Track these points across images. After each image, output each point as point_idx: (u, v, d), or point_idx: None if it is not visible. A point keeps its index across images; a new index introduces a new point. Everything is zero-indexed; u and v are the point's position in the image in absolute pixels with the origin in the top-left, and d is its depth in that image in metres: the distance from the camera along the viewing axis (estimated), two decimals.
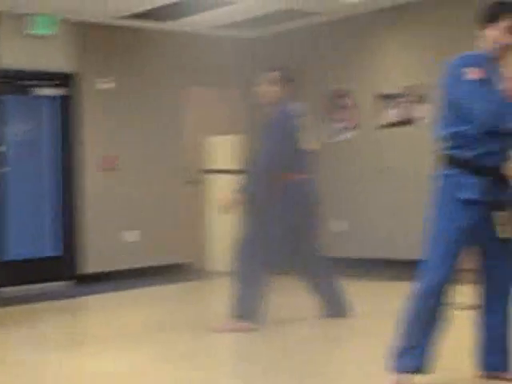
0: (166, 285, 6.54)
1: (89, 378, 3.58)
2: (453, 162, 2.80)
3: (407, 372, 2.88)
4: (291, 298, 5.19)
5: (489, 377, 3.01)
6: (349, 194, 7.01)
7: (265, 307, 4.33)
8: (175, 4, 6.22)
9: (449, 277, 2.81)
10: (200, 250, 7.26)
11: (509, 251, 2.88)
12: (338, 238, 6.90)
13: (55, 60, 6.61)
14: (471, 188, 2.74)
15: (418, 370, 2.87)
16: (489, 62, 2.76)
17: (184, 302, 5.88)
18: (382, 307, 4.91)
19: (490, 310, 2.94)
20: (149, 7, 6.33)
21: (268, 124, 4.43)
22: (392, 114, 6.77)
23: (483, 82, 2.69)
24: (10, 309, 5.57)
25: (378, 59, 6.92)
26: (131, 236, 6.96)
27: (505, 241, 2.84)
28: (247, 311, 4.25)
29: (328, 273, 4.52)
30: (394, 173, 6.69)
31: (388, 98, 6.76)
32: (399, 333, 2.91)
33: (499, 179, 2.81)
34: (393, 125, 6.77)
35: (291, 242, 4.36)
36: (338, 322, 4.46)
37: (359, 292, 5.30)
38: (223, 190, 6.46)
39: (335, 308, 4.47)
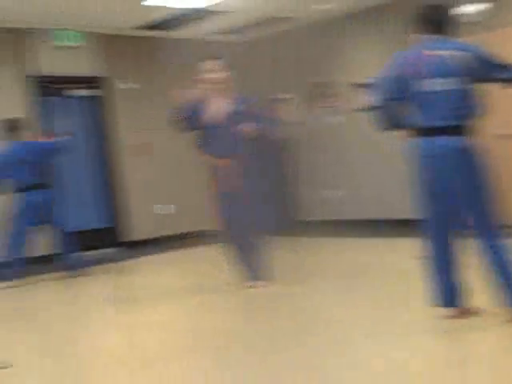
0: (195, 247, 7.41)
1: (142, 326, 4.04)
2: None
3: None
4: None
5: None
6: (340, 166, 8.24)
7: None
8: (177, 16, 7.37)
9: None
10: None
11: None
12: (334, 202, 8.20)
13: (85, 66, 7.75)
14: None
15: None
16: None
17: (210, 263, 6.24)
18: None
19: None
20: (159, 19, 7.47)
21: None
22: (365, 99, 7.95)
23: None
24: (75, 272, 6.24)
25: (351, 55, 8.02)
26: (166, 209, 8.12)
27: None
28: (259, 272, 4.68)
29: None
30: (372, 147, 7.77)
31: (361, 86, 7.94)
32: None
33: None
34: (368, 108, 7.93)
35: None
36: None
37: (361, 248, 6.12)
38: None
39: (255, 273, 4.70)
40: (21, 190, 6.01)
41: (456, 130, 3.11)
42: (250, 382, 2.78)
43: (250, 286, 4.68)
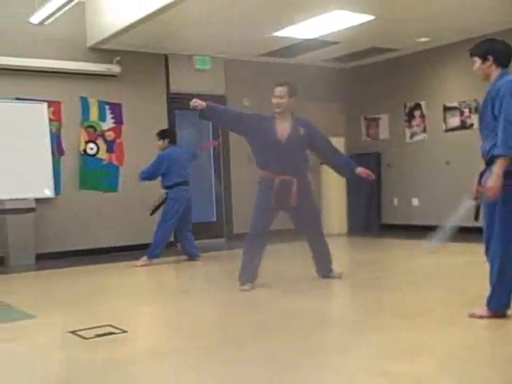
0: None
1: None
2: None
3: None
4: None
5: None
6: (422, 179, 9.38)
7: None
8: (294, 45, 8.62)
9: None
10: None
11: None
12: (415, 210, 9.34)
13: (211, 86, 9.13)
14: None
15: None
16: None
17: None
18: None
19: None
20: (275, 48, 8.80)
21: None
22: (453, 121, 9.06)
23: None
24: (181, 257, 7.31)
25: (442, 81, 9.17)
26: None
27: None
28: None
29: None
30: (455, 164, 8.88)
31: (450, 109, 9.09)
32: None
33: None
34: (454, 129, 9.01)
35: None
36: None
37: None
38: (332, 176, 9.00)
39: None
40: (176, 185, 7.11)
41: None
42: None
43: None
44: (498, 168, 3.47)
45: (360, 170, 5.25)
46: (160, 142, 7.19)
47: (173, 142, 7.28)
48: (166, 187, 7.13)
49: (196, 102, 5.10)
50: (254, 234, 5.19)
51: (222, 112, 5.39)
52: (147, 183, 7.41)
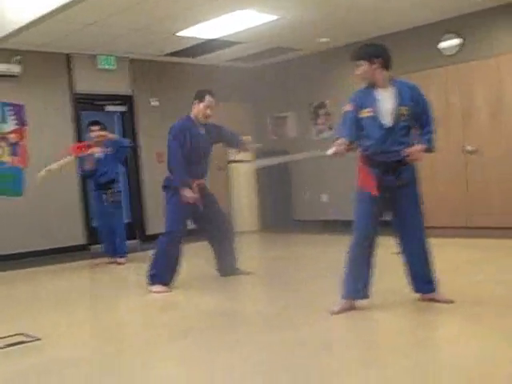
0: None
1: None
2: None
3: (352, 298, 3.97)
4: None
5: (424, 299, 4.02)
6: (329, 175, 9.69)
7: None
8: (199, 44, 8.61)
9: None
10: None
11: None
12: (324, 205, 9.63)
13: (117, 86, 9.03)
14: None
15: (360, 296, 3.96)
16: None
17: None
18: None
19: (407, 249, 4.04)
20: (181, 48, 8.76)
21: None
22: None
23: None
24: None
25: (345, 81, 9.51)
26: None
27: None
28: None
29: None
30: None
31: None
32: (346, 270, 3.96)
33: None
34: None
35: None
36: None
37: None
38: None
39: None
40: None
41: None
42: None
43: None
44: None
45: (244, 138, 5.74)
46: None
47: None
48: None
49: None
50: (172, 237, 5.21)
51: None
52: (51, 185, 7.25)
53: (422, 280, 4.03)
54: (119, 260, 7.16)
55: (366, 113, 3.93)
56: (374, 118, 3.91)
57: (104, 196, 7.13)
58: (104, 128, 7.24)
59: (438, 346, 3.37)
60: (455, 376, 2.76)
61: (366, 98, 3.98)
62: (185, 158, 5.23)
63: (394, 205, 3.98)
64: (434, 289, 4.03)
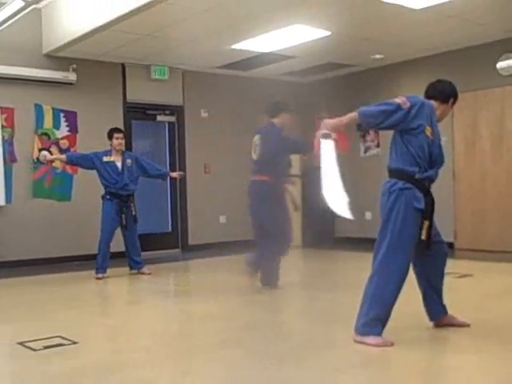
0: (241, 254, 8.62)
1: (192, 317, 4.79)
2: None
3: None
4: None
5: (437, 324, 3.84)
6: (374, 192, 9.54)
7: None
8: (252, 58, 8.67)
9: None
10: None
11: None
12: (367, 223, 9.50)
13: (168, 96, 9.12)
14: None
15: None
16: None
17: None
18: None
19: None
20: (233, 60, 8.82)
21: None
22: None
23: None
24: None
25: (393, 98, 9.41)
26: (221, 219, 9.56)
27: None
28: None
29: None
30: None
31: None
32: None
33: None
34: None
35: None
36: None
37: None
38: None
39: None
40: None
41: None
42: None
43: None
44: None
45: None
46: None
47: None
48: None
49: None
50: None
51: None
52: (100, 192, 7.31)
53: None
54: (147, 271, 7.02)
55: (428, 131, 3.63)
56: (434, 143, 3.67)
57: (124, 209, 6.87)
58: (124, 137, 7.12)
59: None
60: None
61: (432, 117, 3.72)
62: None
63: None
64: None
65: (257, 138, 5.66)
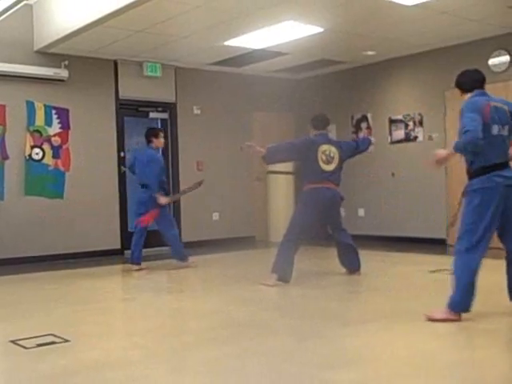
0: (237, 251, 8.57)
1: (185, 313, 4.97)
2: None
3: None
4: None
5: None
6: (368, 190, 9.57)
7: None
8: (245, 55, 8.64)
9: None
10: (263, 227, 9.86)
11: None
12: (360, 220, 9.50)
13: (161, 93, 9.09)
14: None
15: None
16: None
17: (249, 264, 7.55)
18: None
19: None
20: (226, 57, 8.80)
21: None
22: (398, 133, 9.32)
23: None
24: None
25: (388, 94, 9.43)
26: (214, 216, 9.55)
27: None
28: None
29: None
30: (400, 176, 9.15)
31: (395, 122, 9.32)
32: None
33: None
34: (399, 141, 9.26)
35: None
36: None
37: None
38: (280, 185, 9.22)
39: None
40: None
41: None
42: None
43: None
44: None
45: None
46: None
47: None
48: None
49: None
50: None
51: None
52: (92, 189, 7.32)
53: None
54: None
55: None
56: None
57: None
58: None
59: None
60: None
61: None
62: None
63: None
64: None
65: (332, 149, 5.83)
